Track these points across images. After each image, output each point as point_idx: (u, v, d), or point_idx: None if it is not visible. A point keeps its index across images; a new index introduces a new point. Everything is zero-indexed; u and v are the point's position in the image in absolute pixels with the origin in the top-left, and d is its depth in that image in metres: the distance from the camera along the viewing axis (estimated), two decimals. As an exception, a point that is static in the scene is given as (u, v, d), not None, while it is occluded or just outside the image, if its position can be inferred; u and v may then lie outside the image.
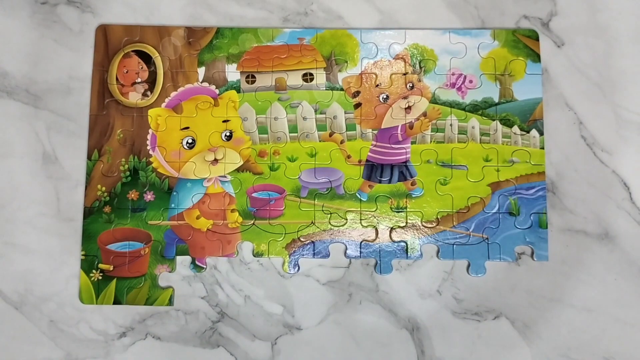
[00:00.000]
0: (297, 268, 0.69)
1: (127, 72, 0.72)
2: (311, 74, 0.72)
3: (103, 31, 0.73)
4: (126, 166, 0.70)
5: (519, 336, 0.69)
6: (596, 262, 0.70)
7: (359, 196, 0.70)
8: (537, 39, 0.72)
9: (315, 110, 0.72)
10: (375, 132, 0.71)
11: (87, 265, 0.68)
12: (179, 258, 0.69)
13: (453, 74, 0.72)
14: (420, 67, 0.72)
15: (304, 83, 0.72)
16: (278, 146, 0.71)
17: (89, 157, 0.70)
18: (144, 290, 0.68)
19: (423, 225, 0.70)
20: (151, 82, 0.72)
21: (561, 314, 0.69)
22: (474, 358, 0.69)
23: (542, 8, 0.74)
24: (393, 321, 0.69)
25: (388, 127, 0.72)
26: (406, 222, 0.70)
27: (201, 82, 0.72)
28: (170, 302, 0.68)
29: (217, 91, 0.72)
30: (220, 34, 0.73)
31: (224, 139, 0.71)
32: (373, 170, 0.71)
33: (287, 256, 0.69)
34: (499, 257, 0.69)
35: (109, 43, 0.72)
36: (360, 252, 0.69)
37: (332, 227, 0.70)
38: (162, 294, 0.68)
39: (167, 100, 0.71)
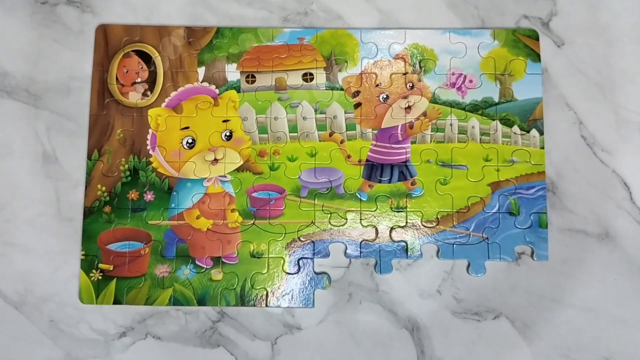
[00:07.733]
0: (297, 268, 0.69)
1: (127, 72, 0.72)
2: (311, 74, 0.72)
3: (103, 31, 0.72)
4: (126, 166, 0.70)
5: (519, 336, 0.69)
6: (596, 262, 0.70)
7: (359, 196, 0.70)
8: (537, 39, 0.72)
9: (315, 110, 0.72)
10: (375, 131, 0.71)
11: (87, 265, 0.68)
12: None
13: (453, 74, 0.72)
14: (420, 67, 0.72)
15: (304, 83, 0.72)
16: (278, 146, 0.71)
17: (89, 157, 0.70)
18: (144, 290, 0.68)
19: (423, 225, 0.70)
20: (151, 82, 0.72)
21: (561, 314, 0.69)
22: (474, 358, 0.69)
23: (542, 8, 0.74)
24: (393, 321, 0.69)
25: (388, 127, 0.72)
26: (406, 222, 0.70)
27: (201, 82, 0.72)
28: (170, 302, 0.68)
29: (217, 91, 0.72)
30: (220, 34, 0.73)
31: (224, 138, 0.71)
32: (373, 170, 0.71)
33: (287, 256, 0.69)
34: (499, 257, 0.69)
35: (109, 43, 0.72)
36: (360, 252, 0.69)
37: (332, 227, 0.70)
38: (162, 293, 0.68)
39: (167, 100, 0.71)
